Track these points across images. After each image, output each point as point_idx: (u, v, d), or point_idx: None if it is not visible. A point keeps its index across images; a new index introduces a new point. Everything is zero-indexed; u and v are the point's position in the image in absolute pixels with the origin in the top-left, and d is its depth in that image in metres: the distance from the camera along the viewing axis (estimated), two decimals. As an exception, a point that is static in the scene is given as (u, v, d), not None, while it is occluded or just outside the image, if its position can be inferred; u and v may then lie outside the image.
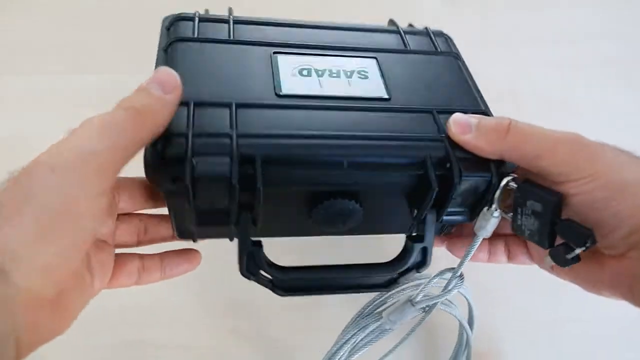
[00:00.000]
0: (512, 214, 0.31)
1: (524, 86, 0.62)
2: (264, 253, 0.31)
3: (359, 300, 0.37)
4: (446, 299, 0.36)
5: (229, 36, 0.34)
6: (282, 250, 0.31)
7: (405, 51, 0.37)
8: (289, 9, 0.51)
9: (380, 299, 0.37)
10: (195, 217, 0.29)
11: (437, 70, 0.36)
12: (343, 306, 0.34)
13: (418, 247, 0.33)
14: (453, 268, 0.35)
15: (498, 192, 0.30)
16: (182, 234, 0.32)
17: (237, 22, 0.36)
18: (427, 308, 0.36)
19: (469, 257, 0.33)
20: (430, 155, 0.30)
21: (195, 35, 0.34)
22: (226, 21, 0.36)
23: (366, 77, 0.34)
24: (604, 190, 0.27)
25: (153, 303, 0.47)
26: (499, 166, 0.30)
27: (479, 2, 0.70)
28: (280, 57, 0.34)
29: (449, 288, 0.34)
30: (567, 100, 0.62)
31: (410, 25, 0.42)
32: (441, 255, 0.37)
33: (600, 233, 0.28)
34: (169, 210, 0.30)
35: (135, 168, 0.27)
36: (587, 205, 0.28)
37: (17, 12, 0.64)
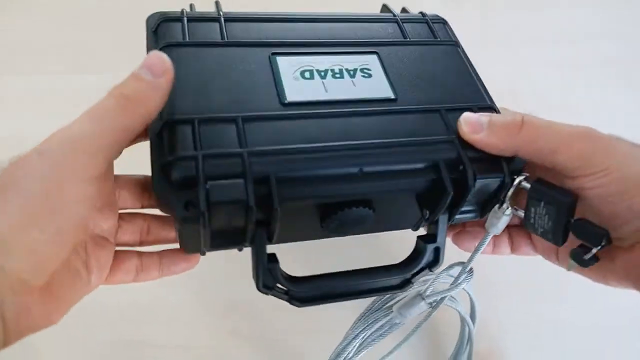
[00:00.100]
0: (524, 212, 0.31)
1: (524, 86, 0.62)
2: (280, 268, 0.30)
3: (359, 300, 0.37)
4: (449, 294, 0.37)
5: (222, 37, 0.33)
6: (282, 252, 0.31)
7: (405, 42, 0.36)
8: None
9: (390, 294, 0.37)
10: (210, 240, 0.28)
11: (440, 63, 0.36)
12: (343, 306, 0.34)
13: (431, 247, 0.33)
14: (461, 262, 0.35)
15: (511, 192, 0.31)
16: (191, 250, 0.31)
17: (228, 19, 0.34)
18: (434, 303, 0.36)
19: (479, 253, 0.33)
20: (442, 159, 0.30)
21: (187, 39, 0.32)
22: (216, 19, 0.34)
23: (370, 76, 0.33)
24: (619, 183, 0.27)
25: (152, 303, 0.47)
26: (510, 164, 0.30)
27: (479, 2, 0.70)
28: (279, 59, 0.33)
29: (459, 282, 0.35)
30: (567, 100, 0.62)
31: (404, 9, 0.41)
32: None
33: (613, 225, 0.28)
34: (178, 231, 0.29)
35: (135, 165, 0.27)
36: (601, 198, 0.28)
37: (17, 12, 0.64)
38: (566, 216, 0.29)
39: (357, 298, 0.34)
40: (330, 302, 0.32)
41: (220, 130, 0.28)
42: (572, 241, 0.30)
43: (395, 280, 0.34)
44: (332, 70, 0.33)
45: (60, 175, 0.23)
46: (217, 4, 0.36)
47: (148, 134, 0.29)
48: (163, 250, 0.34)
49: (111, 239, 0.31)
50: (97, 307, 0.47)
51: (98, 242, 0.29)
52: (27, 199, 0.23)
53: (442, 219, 0.32)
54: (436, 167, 0.29)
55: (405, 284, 0.34)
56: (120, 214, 0.32)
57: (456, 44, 0.37)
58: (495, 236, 0.37)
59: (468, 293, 0.40)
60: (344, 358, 0.38)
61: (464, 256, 0.36)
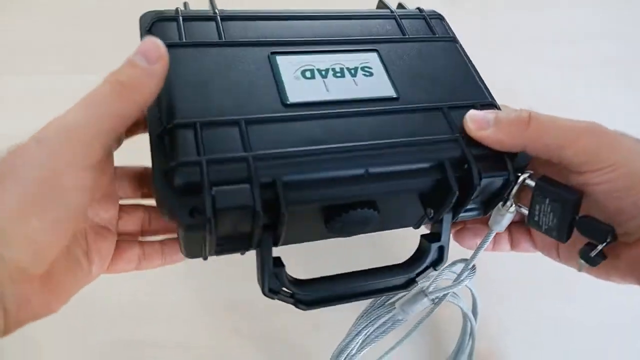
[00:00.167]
0: (528, 209, 0.31)
1: (523, 86, 0.62)
2: (286, 272, 0.30)
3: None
4: (452, 291, 0.37)
5: (220, 37, 0.32)
6: (282, 254, 0.31)
7: (404, 39, 0.36)
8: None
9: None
10: (215, 246, 0.28)
11: (439, 60, 0.35)
12: (344, 305, 0.34)
13: (435, 246, 0.33)
14: (464, 259, 0.35)
15: (515, 189, 0.31)
16: (193, 256, 0.31)
17: (224, 18, 0.33)
18: (436, 299, 0.36)
19: (482, 250, 0.34)
20: (447, 158, 0.29)
21: (183, 40, 0.31)
22: (212, 18, 0.33)
23: (371, 74, 0.33)
24: (626, 179, 0.28)
25: (152, 302, 0.47)
26: (513, 162, 0.30)
27: (479, 2, 0.70)
28: (279, 59, 0.32)
29: (462, 279, 0.35)
30: (567, 100, 0.62)
31: (401, 5, 0.41)
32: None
33: (619, 221, 0.29)
34: (180, 237, 0.29)
35: (134, 157, 0.27)
36: (607, 194, 0.28)
37: (17, 12, 0.64)
38: (571, 213, 0.29)
39: (362, 299, 0.34)
40: (336, 304, 0.32)
41: (223, 134, 0.27)
42: (575, 239, 0.30)
43: (399, 280, 0.34)
44: (333, 70, 0.33)
45: (58, 164, 0.23)
46: (211, 2, 0.35)
47: (147, 127, 0.29)
48: (165, 240, 0.34)
49: (112, 229, 0.31)
50: (98, 307, 0.47)
51: (99, 231, 0.29)
52: (25, 187, 0.22)
53: (446, 217, 0.32)
54: (441, 167, 0.29)
55: (410, 283, 0.34)
56: (121, 205, 0.32)
57: (454, 40, 0.37)
58: (496, 233, 0.37)
59: (470, 289, 0.40)
60: (347, 355, 0.38)
61: (466, 253, 0.36)
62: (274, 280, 0.30)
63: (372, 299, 0.38)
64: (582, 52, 0.66)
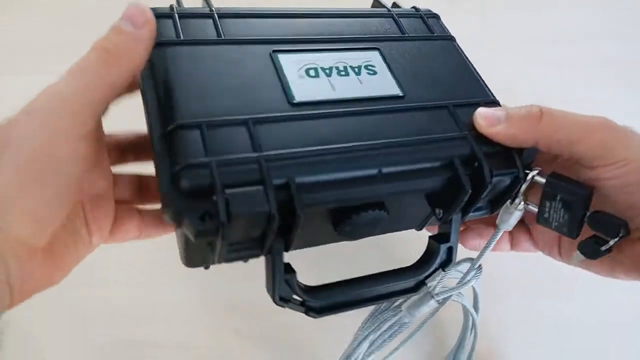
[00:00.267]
0: (537, 206, 0.31)
1: (523, 86, 0.62)
2: (297, 279, 0.29)
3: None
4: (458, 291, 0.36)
5: (218, 35, 0.31)
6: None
7: (404, 38, 0.36)
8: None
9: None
10: (226, 252, 0.27)
11: (439, 59, 0.35)
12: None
13: (444, 247, 0.32)
14: (470, 258, 0.35)
15: (524, 187, 0.31)
16: (194, 264, 0.30)
17: (221, 15, 0.32)
18: (443, 300, 0.36)
19: (489, 249, 0.34)
20: (457, 156, 0.29)
21: (181, 37, 0.30)
22: (209, 15, 0.32)
23: (375, 73, 0.33)
24: (637, 173, 0.28)
25: (152, 302, 0.47)
26: (521, 159, 0.30)
27: (479, 2, 0.70)
28: (281, 57, 0.31)
29: (468, 279, 0.34)
30: (567, 100, 0.62)
31: (395, 4, 0.41)
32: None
33: (629, 216, 0.29)
34: (182, 243, 0.28)
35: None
36: (618, 188, 0.28)
37: (17, 12, 0.64)
38: (583, 209, 0.29)
39: (373, 304, 0.33)
40: (347, 310, 0.32)
41: (230, 134, 0.26)
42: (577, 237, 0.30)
43: (409, 282, 0.33)
44: (337, 68, 0.32)
45: (50, 134, 0.23)
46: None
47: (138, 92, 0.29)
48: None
49: (109, 198, 0.30)
50: (98, 307, 0.47)
51: (95, 201, 0.29)
52: (20, 159, 0.22)
53: (455, 217, 0.32)
54: (451, 165, 0.29)
55: (419, 285, 0.34)
56: (115, 175, 0.31)
57: (452, 38, 0.37)
58: (495, 232, 0.37)
59: (472, 285, 0.40)
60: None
61: (470, 252, 0.36)
62: (285, 288, 0.29)
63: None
64: (581, 52, 0.66)
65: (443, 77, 0.34)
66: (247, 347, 0.47)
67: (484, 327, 0.46)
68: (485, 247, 0.34)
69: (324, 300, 0.31)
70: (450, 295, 0.36)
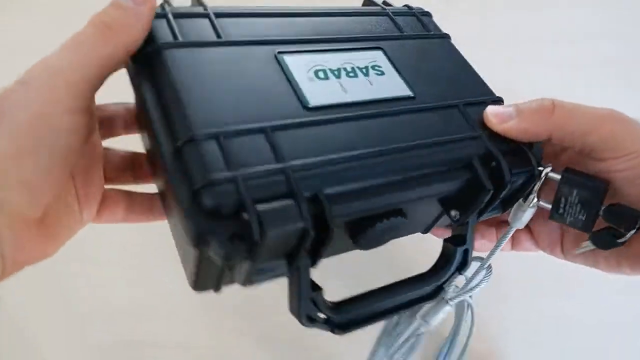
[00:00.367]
0: (552, 203, 0.31)
1: (523, 86, 0.62)
2: (323, 296, 0.28)
3: (355, 285, 0.37)
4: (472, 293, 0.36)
5: (218, 36, 0.29)
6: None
7: (403, 36, 0.35)
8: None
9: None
10: (255, 273, 0.25)
11: (440, 57, 0.35)
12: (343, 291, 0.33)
13: (461, 250, 0.32)
14: (480, 257, 0.35)
15: (539, 184, 0.31)
16: (203, 288, 0.28)
17: (217, 15, 0.30)
18: (456, 303, 0.36)
19: (499, 248, 0.34)
20: (476, 156, 0.29)
21: (179, 39, 0.27)
22: (204, 15, 0.29)
23: (382, 73, 0.32)
24: None
25: (152, 302, 0.47)
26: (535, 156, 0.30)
27: (478, 2, 0.70)
28: (287, 58, 0.29)
29: (481, 280, 0.34)
30: (567, 100, 0.62)
31: (386, 2, 0.40)
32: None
33: (638, 208, 0.29)
34: (193, 266, 0.26)
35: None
36: (630, 180, 0.29)
37: (17, 12, 0.64)
38: (599, 202, 0.29)
39: (395, 314, 0.32)
40: (370, 324, 0.31)
41: (249, 144, 0.24)
42: (579, 235, 0.31)
43: (428, 288, 0.33)
44: (345, 69, 0.31)
45: (44, 105, 0.23)
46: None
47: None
48: (156, 194, 0.33)
49: (99, 172, 0.30)
50: (97, 307, 0.47)
51: (86, 176, 0.29)
52: (14, 129, 0.22)
53: (472, 219, 0.31)
54: (470, 166, 0.29)
55: (438, 291, 0.33)
56: (107, 151, 0.31)
57: (447, 36, 0.37)
58: (496, 232, 0.37)
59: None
60: None
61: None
62: (312, 307, 0.27)
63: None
64: (581, 52, 0.66)
65: (447, 76, 0.34)
66: (247, 347, 0.47)
67: (484, 327, 0.46)
68: (496, 246, 0.34)
69: (349, 315, 0.29)
70: (463, 298, 0.35)
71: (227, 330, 0.47)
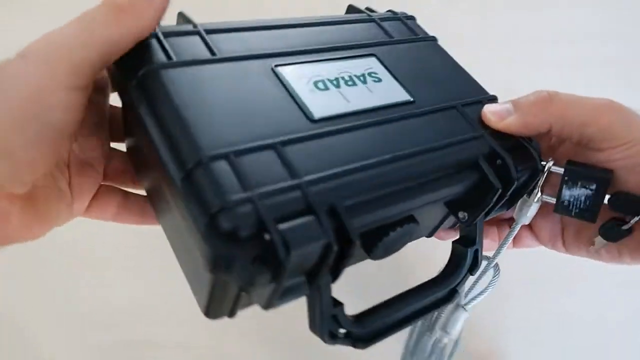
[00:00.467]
0: (556, 196, 0.31)
1: (523, 86, 0.61)
2: (344, 311, 0.27)
3: (355, 295, 0.37)
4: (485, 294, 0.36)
5: (212, 53, 0.28)
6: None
7: (392, 42, 0.35)
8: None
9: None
10: (280, 296, 0.24)
11: (431, 60, 0.35)
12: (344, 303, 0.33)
13: (471, 251, 0.32)
14: (486, 257, 0.35)
15: (543, 178, 0.31)
16: (217, 315, 0.27)
17: (207, 31, 0.29)
18: (470, 307, 0.36)
19: (505, 246, 0.34)
20: (481, 155, 0.29)
21: (173, 58, 0.26)
22: (195, 32, 0.29)
23: (380, 80, 0.32)
24: None
25: (152, 302, 0.47)
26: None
27: (478, 2, 0.70)
28: (284, 71, 0.29)
29: (492, 280, 0.34)
30: (567, 100, 0.62)
31: (369, 9, 0.39)
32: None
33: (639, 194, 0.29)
34: (207, 292, 0.25)
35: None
36: (629, 169, 0.29)
37: (17, 12, 0.64)
38: (604, 192, 0.29)
39: (413, 322, 0.32)
40: (391, 334, 0.30)
41: (261, 162, 0.23)
42: (582, 227, 0.31)
43: (443, 292, 0.32)
44: (343, 78, 0.30)
45: (41, 80, 0.22)
46: (183, 15, 0.31)
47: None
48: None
49: (98, 169, 0.30)
50: (97, 307, 0.47)
51: (83, 168, 0.29)
52: (7, 102, 0.22)
53: (480, 219, 0.31)
54: (477, 166, 0.29)
55: (453, 294, 0.33)
56: (115, 150, 0.31)
57: (434, 39, 0.37)
58: (497, 230, 0.37)
59: None
60: None
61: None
62: (333, 324, 0.27)
63: (405, 340, 0.37)
64: (581, 52, 0.66)
65: (441, 78, 0.34)
66: (247, 347, 0.47)
67: (484, 327, 0.46)
68: (502, 244, 0.34)
69: (370, 328, 0.29)
70: (477, 301, 0.35)
71: (227, 330, 0.47)
